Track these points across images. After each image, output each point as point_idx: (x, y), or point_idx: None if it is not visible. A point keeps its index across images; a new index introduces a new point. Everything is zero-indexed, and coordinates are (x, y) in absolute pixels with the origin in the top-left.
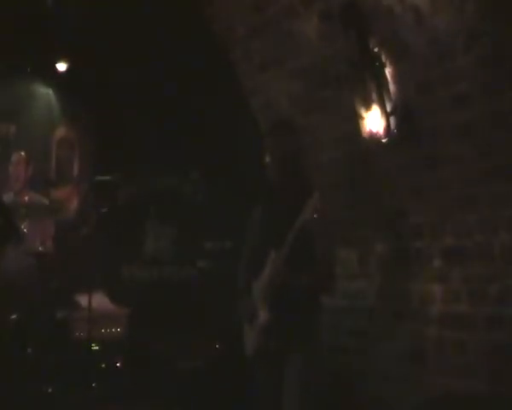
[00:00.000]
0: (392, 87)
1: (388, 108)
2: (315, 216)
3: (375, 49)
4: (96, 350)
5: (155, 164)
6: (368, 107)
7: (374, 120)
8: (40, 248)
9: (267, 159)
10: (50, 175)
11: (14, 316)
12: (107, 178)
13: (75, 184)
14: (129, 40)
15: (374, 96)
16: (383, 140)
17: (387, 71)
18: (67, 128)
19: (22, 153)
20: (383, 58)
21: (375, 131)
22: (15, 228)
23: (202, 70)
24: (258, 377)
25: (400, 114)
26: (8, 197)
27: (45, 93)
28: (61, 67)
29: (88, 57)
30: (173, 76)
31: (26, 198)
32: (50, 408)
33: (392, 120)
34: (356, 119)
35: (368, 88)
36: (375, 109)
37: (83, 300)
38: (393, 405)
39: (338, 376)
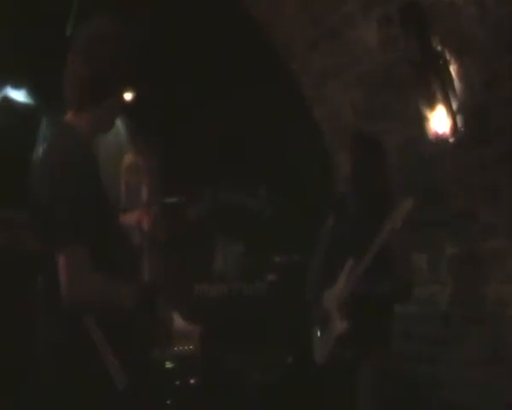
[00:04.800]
0: (457, 85)
1: (455, 107)
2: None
3: (438, 48)
4: (170, 368)
5: (222, 181)
6: (433, 107)
7: (440, 121)
8: None
9: (342, 169)
10: (120, 201)
11: None
12: (176, 199)
13: (145, 209)
14: (193, 64)
15: (439, 95)
16: (450, 140)
17: (452, 68)
18: (135, 154)
19: None
20: (447, 55)
21: (441, 131)
22: None
23: (266, 85)
24: (330, 389)
25: (467, 112)
26: None
27: None
28: (128, 96)
29: (153, 85)
30: (237, 94)
31: None
32: None
33: (459, 118)
34: (421, 120)
35: (432, 88)
36: (441, 109)
37: None
38: None
39: (412, 384)
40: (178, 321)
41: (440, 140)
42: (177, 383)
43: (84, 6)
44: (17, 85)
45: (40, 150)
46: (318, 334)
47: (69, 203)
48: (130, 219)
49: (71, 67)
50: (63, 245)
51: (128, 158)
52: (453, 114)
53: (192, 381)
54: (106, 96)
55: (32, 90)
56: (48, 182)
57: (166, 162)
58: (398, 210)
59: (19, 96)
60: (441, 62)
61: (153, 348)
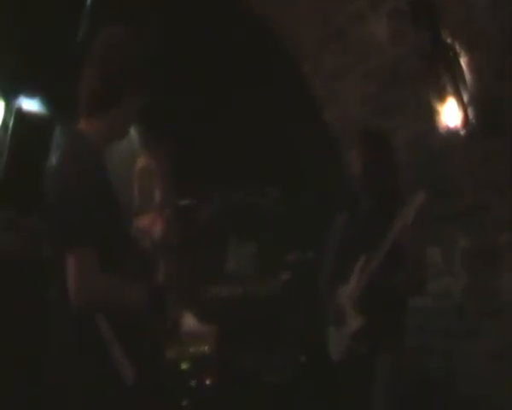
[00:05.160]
0: (468, 77)
1: (465, 100)
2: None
3: (448, 40)
4: (185, 369)
5: (234, 181)
6: (444, 100)
7: (451, 114)
8: None
9: (351, 167)
10: (133, 205)
11: None
12: (188, 202)
13: (158, 212)
14: (202, 66)
15: (449, 88)
16: (461, 133)
17: (462, 61)
18: (147, 158)
19: None
20: (457, 48)
21: (452, 124)
22: None
23: (277, 86)
24: (345, 385)
25: (478, 105)
26: None
27: None
28: (139, 101)
29: (164, 88)
30: (248, 94)
31: None
32: None
33: (469, 111)
34: (432, 114)
35: (442, 81)
36: (452, 102)
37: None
38: (485, 404)
39: (426, 378)
40: (193, 323)
41: (451, 133)
42: (193, 383)
43: (95, 13)
44: (30, 95)
45: (53, 158)
46: (333, 331)
47: (80, 208)
48: (143, 222)
49: (83, 74)
50: (72, 247)
51: (140, 162)
52: (464, 107)
53: (207, 382)
54: (117, 104)
55: (46, 99)
56: (61, 189)
57: (178, 165)
58: (410, 205)
59: (32, 105)
60: (451, 55)
61: (163, 349)
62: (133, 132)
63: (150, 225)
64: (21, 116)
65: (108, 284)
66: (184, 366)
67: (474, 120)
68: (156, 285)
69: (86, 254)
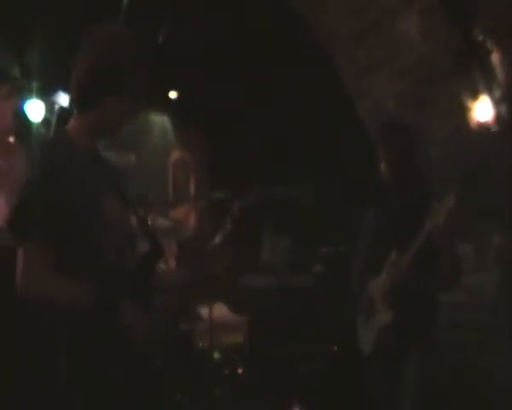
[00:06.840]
0: (500, 73)
1: (498, 96)
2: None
3: (480, 37)
4: (218, 358)
5: (269, 174)
6: (475, 97)
7: (482, 110)
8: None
9: (381, 161)
10: (168, 196)
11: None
12: (223, 194)
13: (192, 204)
14: (235, 60)
15: (481, 85)
16: (494, 128)
17: (494, 57)
18: (182, 150)
19: None
20: (489, 45)
21: (484, 120)
22: None
23: (309, 79)
24: (375, 378)
25: (510, 101)
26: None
27: (160, 120)
28: (173, 94)
29: (197, 82)
30: (280, 88)
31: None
32: None
33: (501, 107)
34: (464, 110)
35: (475, 78)
36: (483, 99)
37: (204, 311)
38: None
39: (458, 374)
40: (226, 312)
41: (483, 129)
42: (226, 372)
43: (130, 11)
44: (66, 89)
45: None
46: (363, 325)
47: (33, 206)
48: (178, 214)
49: (73, 70)
50: (21, 241)
51: (175, 154)
52: (496, 103)
53: (240, 371)
54: (98, 103)
55: None
56: (26, 186)
57: (213, 158)
58: (440, 207)
59: (67, 99)
60: (483, 52)
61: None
62: (168, 125)
63: (185, 216)
64: (62, 113)
65: (55, 282)
66: (217, 355)
67: (505, 116)
68: (107, 285)
69: (34, 251)
